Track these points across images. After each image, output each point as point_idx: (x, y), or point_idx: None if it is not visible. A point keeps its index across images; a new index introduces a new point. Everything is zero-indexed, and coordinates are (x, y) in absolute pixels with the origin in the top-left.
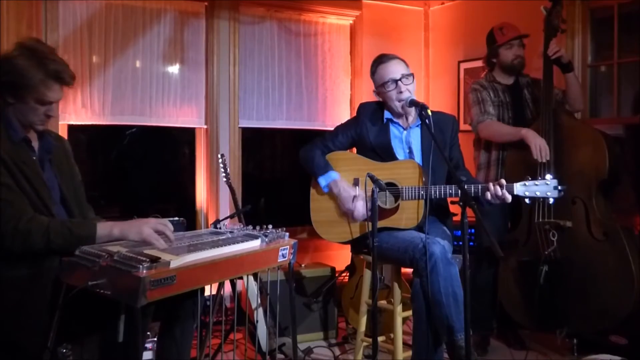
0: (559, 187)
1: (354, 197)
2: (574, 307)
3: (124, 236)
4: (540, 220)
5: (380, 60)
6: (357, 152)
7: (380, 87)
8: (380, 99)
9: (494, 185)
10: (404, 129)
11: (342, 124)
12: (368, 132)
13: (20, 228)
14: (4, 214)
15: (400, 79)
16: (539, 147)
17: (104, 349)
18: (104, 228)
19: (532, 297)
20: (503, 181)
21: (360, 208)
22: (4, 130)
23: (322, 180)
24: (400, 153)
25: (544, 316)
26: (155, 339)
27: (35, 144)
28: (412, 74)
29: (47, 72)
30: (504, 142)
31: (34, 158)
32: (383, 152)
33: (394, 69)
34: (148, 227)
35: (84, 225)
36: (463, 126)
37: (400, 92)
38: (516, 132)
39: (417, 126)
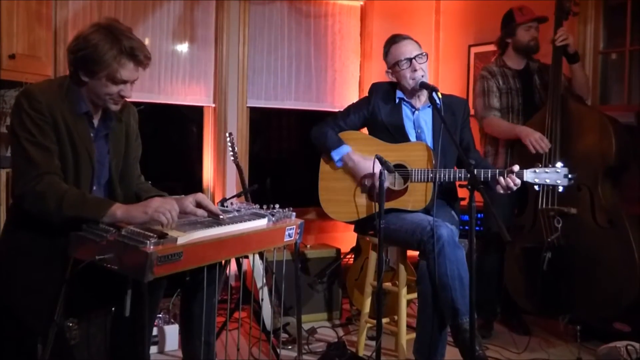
0: (569, 175)
1: (367, 174)
2: (577, 294)
3: (129, 218)
4: (545, 207)
5: (393, 40)
6: (369, 132)
7: (393, 66)
8: (394, 79)
9: (506, 175)
10: (415, 110)
11: (353, 103)
12: (380, 111)
13: (38, 189)
14: (27, 174)
15: (414, 58)
16: (534, 142)
17: (114, 324)
18: (111, 211)
19: (536, 284)
20: (516, 167)
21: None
22: (69, 102)
23: (336, 155)
24: (411, 134)
25: (547, 302)
26: (161, 315)
27: (96, 120)
28: (426, 54)
29: (121, 49)
30: (504, 138)
31: (91, 134)
32: (396, 132)
33: (408, 48)
34: (152, 207)
35: (100, 203)
36: (473, 109)
37: (415, 71)
38: (511, 130)
39: (429, 107)
